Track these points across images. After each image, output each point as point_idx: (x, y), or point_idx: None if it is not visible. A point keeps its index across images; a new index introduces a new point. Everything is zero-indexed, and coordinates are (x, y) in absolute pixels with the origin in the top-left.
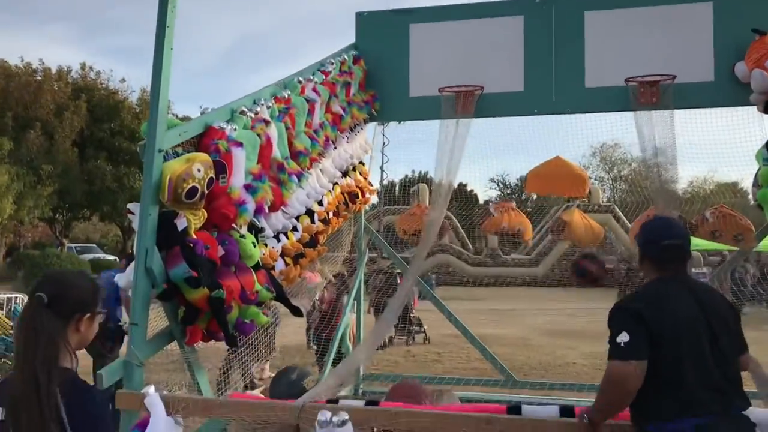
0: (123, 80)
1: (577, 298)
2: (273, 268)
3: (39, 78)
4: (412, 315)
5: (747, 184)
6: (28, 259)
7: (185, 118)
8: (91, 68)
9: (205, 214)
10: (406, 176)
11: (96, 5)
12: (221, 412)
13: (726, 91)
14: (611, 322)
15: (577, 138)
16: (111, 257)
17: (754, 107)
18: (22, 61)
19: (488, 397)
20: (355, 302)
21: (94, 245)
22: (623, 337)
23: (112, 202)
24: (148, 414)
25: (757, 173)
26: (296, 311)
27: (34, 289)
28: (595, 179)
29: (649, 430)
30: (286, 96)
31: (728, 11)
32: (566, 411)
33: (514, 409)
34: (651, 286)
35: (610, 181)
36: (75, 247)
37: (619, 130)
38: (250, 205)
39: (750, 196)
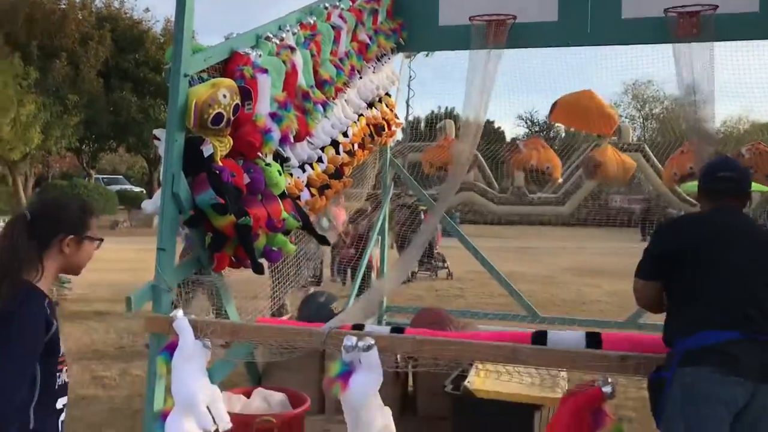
0: (147, 10)
1: (601, 237)
2: (299, 198)
3: (63, 6)
4: (435, 251)
5: None
6: (57, 190)
7: None
8: None
9: (231, 141)
10: (432, 112)
11: None
12: (249, 336)
13: None
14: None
15: (609, 73)
16: (138, 189)
17: None
18: None
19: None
20: (379, 237)
21: (120, 176)
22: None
23: (137, 133)
24: (177, 337)
25: None
26: (323, 240)
27: (26, 207)
28: (626, 117)
29: (675, 349)
30: (312, 22)
31: None
32: (592, 338)
33: (539, 335)
34: (698, 213)
35: (641, 120)
36: (102, 178)
37: (654, 66)
38: (276, 134)
39: None
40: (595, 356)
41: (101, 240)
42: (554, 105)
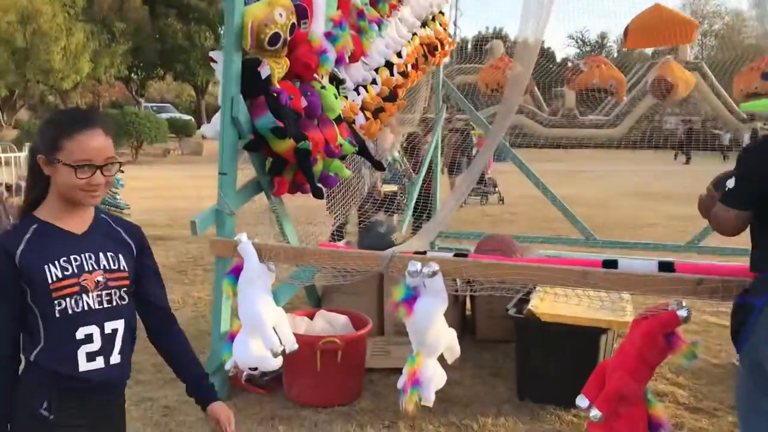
0: None
1: (655, 159)
2: (353, 122)
3: None
4: (487, 176)
5: None
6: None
7: None
8: None
9: (288, 63)
10: (479, 33)
11: None
12: (312, 260)
13: None
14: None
15: None
16: (186, 116)
17: None
18: None
19: (570, 255)
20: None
21: (169, 104)
22: (731, 183)
23: (184, 60)
24: (242, 260)
25: None
26: (378, 165)
27: None
28: None
29: (759, 277)
30: None
31: None
32: (666, 266)
33: (610, 263)
34: None
35: (699, 37)
36: (151, 106)
37: None
38: (331, 54)
39: None
40: (671, 279)
41: (72, 168)
42: (626, 31)
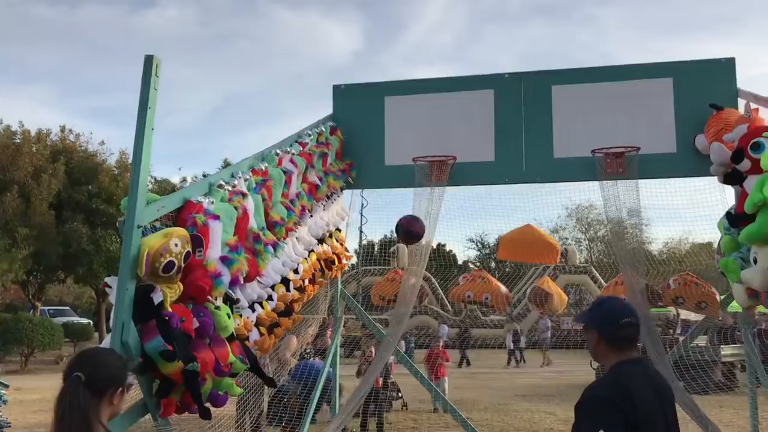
0: (102, 143)
1: (552, 358)
2: (247, 338)
3: (18, 141)
4: (389, 380)
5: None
6: (0, 324)
7: (164, 181)
8: (70, 131)
9: (181, 286)
10: (385, 236)
11: (76, 66)
12: None
13: (688, 162)
14: (584, 413)
15: (550, 202)
16: (84, 320)
17: (715, 177)
18: (1, 123)
19: None
20: (331, 368)
21: (67, 308)
22: None
23: (87, 263)
24: None
25: (719, 242)
26: (270, 382)
27: (70, 367)
28: (572, 240)
29: None
30: (264, 168)
31: (687, 87)
32: None
33: None
34: (616, 372)
35: (587, 242)
36: (48, 309)
37: (591, 195)
38: (226, 277)
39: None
40: None
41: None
42: (497, 243)
